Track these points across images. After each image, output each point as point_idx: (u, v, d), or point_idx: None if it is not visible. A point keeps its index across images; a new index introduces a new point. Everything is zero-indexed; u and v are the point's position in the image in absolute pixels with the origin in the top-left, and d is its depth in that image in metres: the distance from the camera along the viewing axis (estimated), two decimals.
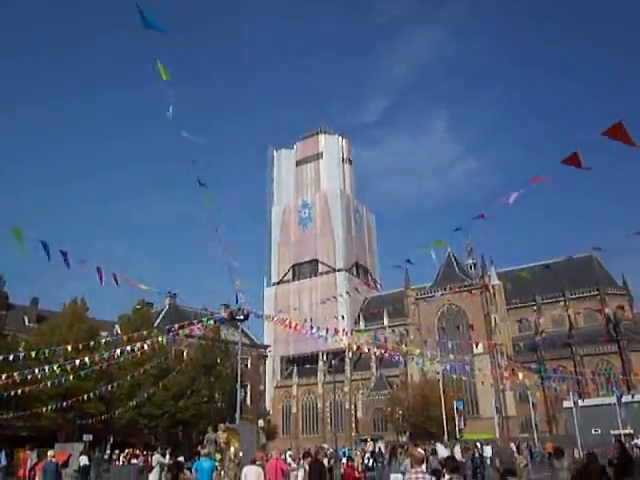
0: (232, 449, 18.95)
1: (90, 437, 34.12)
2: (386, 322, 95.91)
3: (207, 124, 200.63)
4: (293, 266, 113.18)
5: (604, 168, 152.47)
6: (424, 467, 7.23)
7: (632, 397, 53.85)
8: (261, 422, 58.37)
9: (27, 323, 53.40)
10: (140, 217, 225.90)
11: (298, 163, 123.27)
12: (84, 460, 25.65)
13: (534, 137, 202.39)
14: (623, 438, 37.03)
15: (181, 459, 19.29)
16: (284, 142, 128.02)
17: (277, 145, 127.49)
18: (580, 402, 50.33)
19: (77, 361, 25.41)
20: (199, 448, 20.61)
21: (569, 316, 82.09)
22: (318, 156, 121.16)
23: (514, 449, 28.48)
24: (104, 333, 43.23)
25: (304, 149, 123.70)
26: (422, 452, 7.48)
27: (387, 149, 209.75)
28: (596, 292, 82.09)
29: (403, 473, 15.23)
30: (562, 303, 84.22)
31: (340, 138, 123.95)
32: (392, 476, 17.18)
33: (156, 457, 16.97)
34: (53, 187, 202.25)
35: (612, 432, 39.07)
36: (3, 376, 21.96)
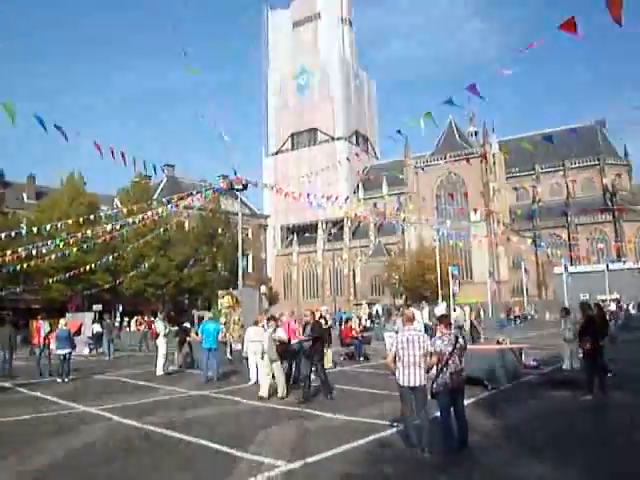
0: (237, 312, 19.90)
1: (100, 307, 35.55)
2: (385, 191, 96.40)
3: None
4: (292, 135, 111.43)
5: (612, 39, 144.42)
6: (415, 324, 7.69)
7: (624, 264, 55.55)
8: (263, 288, 60.87)
9: (26, 200, 53.54)
10: (135, 89, 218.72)
11: (295, 25, 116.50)
12: (96, 328, 27.04)
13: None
14: (609, 302, 38.74)
15: (187, 325, 20.18)
16: (279, 1, 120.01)
17: (272, 4, 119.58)
18: (571, 268, 52.06)
19: (79, 234, 25.81)
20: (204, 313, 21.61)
21: (567, 185, 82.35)
22: (316, 17, 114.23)
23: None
24: (104, 207, 43.55)
25: (301, 9, 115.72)
26: (412, 311, 7.89)
27: (391, 9, 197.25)
28: (596, 162, 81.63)
29: (396, 332, 16.49)
30: (561, 172, 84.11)
31: None
32: (386, 334, 18.47)
33: (159, 325, 17.53)
34: (42, 60, 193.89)
35: (599, 297, 40.61)
36: (8, 252, 22.38)
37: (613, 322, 26.66)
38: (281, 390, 11.46)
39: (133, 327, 36.60)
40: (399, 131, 14.83)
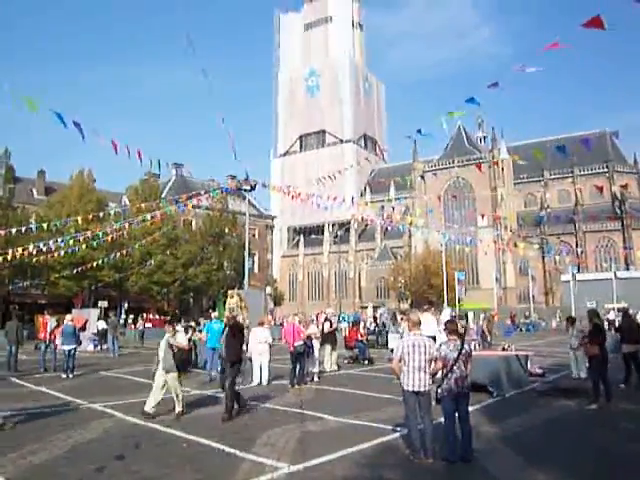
0: (242, 313, 19.93)
1: (105, 303, 35.68)
2: (392, 194, 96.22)
3: None
4: (300, 137, 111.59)
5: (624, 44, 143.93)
6: (433, 329, 7.73)
7: (635, 270, 55.06)
8: (269, 289, 60.87)
9: (35, 195, 53.82)
10: (144, 87, 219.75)
11: (306, 28, 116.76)
12: (102, 324, 27.14)
13: (556, 6, 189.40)
14: (617, 311, 38.36)
15: (192, 324, 20.27)
16: (291, 4, 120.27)
17: (283, 8, 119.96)
18: (578, 276, 51.72)
19: (89, 232, 25.90)
20: (210, 312, 21.67)
21: (576, 192, 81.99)
22: (327, 20, 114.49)
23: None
24: (112, 204, 43.78)
25: (312, 12, 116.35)
26: (418, 316, 7.85)
27: (401, 13, 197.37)
28: (605, 169, 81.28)
29: (401, 334, 17.15)
30: (570, 179, 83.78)
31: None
32: (390, 336, 19.51)
33: (180, 337, 17.34)
34: (51, 57, 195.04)
35: (607, 305, 40.24)
36: (19, 249, 22.44)
37: (613, 331, 26.47)
38: (179, 405, 9.71)
39: (138, 325, 36.80)
40: (419, 130, 14.88)
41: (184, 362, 10.00)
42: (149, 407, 9.55)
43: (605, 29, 7.06)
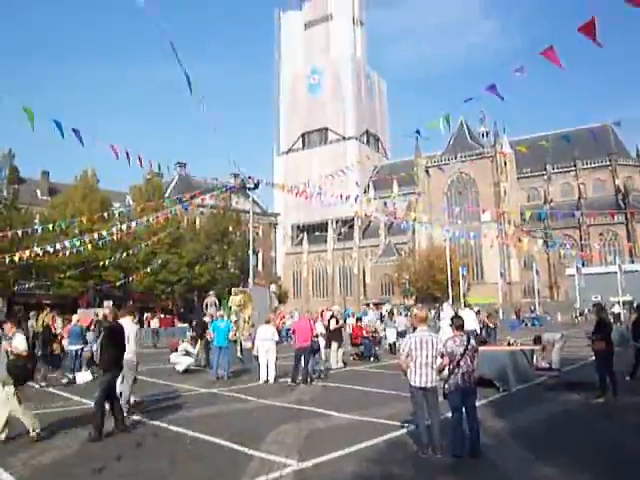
0: (247, 311, 19.94)
1: (110, 303, 35.65)
2: (396, 190, 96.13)
3: None
4: (302, 135, 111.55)
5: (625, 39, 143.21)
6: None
7: None
8: (273, 287, 60.72)
9: (39, 196, 53.90)
10: (146, 86, 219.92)
11: (307, 26, 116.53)
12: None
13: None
14: (622, 304, 38.26)
15: (207, 319, 20.35)
16: (292, 3, 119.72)
17: (284, 6, 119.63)
18: (583, 269, 51.59)
19: (95, 234, 25.96)
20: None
21: (579, 186, 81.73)
22: (328, 17, 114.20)
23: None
24: (116, 204, 43.83)
25: (313, 10, 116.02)
26: (424, 312, 7.86)
27: (402, 9, 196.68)
28: (608, 162, 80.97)
29: (403, 332, 18.89)
30: (573, 173, 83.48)
31: None
32: (387, 330, 21.33)
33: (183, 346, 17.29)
34: (55, 54, 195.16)
35: (612, 299, 40.10)
36: (27, 251, 22.52)
37: (618, 325, 26.44)
38: (32, 428, 7.72)
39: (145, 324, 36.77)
40: (418, 131, 14.95)
41: (22, 372, 7.76)
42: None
43: (596, 41, 6.98)
